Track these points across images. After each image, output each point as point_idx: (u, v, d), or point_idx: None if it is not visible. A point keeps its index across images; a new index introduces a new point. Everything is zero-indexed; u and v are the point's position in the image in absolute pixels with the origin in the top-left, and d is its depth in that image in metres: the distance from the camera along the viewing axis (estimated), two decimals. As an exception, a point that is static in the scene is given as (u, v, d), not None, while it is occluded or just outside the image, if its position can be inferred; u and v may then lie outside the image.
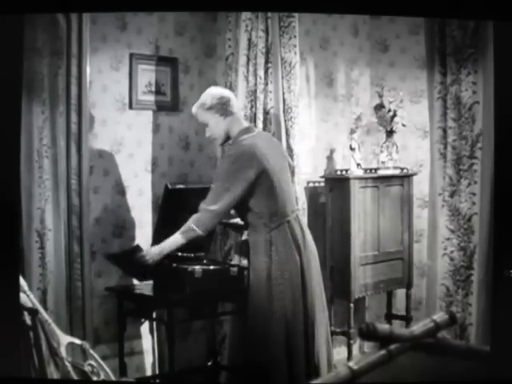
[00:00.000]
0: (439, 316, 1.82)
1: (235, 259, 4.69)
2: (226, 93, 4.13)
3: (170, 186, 4.33)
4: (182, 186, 4.47)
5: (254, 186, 3.92)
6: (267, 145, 4.08)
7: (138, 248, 4.14)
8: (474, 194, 4.99)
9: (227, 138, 4.08)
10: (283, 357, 3.92)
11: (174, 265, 4.26)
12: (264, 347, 3.93)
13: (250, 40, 4.66)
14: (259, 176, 3.91)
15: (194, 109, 4.11)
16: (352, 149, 5.15)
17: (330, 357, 4.14)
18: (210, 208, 3.91)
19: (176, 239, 4.00)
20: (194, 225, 3.93)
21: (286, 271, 3.95)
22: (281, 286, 3.93)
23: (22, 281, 3.52)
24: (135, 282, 4.70)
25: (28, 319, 3.45)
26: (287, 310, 3.94)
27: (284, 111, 4.72)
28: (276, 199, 3.97)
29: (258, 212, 3.96)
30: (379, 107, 5.36)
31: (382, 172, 5.33)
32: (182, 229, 3.97)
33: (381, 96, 5.36)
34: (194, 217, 3.95)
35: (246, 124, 4.15)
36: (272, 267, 3.93)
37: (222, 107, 4.01)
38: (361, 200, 5.05)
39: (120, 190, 4.73)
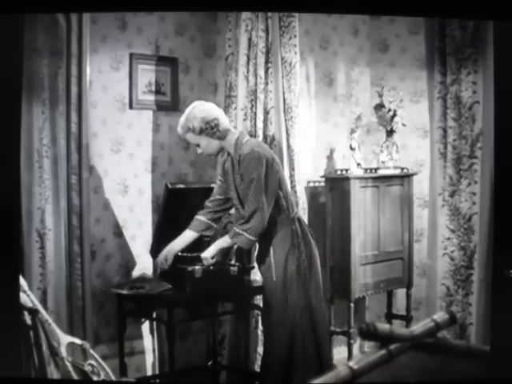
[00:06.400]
0: (439, 316, 1.82)
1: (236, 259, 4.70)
2: (213, 113, 4.00)
3: (170, 186, 4.32)
4: (182, 186, 4.46)
5: (279, 181, 4.00)
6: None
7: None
8: (474, 194, 4.99)
9: (221, 149, 4.07)
10: (313, 351, 3.98)
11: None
12: (295, 338, 3.96)
13: (250, 40, 4.66)
14: (278, 170, 4.01)
15: (182, 131, 4.02)
16: (352, 148, 5.15)
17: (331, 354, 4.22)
18: (257, 211, 3.90)
19: (225, 240, 4.08)
20: (241, 230, 3.93)
21: (311, 263, 4.02)
22: (307, 277, 4.00)
23: (22, 280, 3.51)
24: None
25: (28, 319, 3.45)
26: (310, 302, 4.00)
27: (284, 111, 4.72)
28: (287, 192, 4.08)
29: (282, 204, 4.01)
30: (379, 107, 5.36)
31: (382, 172, 5.33)
32: (231, 233, 4.00)
33: (381, 96, 5.36)
34: (242, 222, 3.94)
35: (236, 130, 4.20)
36: (300, 259, 3.97)
37: (212, 130, 3.96)
38: (361, 200, 5.05)
39: (120, 189, 4.73)
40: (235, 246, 4.66)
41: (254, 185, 3.90)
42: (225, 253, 4.48)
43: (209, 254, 4.12)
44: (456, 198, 5.05)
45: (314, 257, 4.06)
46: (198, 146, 4.06)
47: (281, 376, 3.97)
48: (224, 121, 4.02)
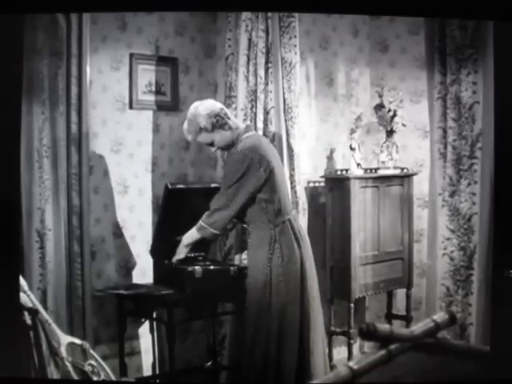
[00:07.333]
0: (439, 316, 1.83)
1: (236, 259, 4.69)
2: (217, 105, 4.09)
3: (170, 186, 4.32)
4: (182, 186, 4.46)
5: (263, 183, 3.95)
6: (267, 144, 4.13)
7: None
8: (473, 194, 4.99)
9: (233, 142, 4.09)
10: (277, 354, 3.95)
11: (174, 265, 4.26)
12: (264, 344, 3.95)
13: (250, 40, 4.66)
14: (266, 172, 3.96)
15: (193, 135, 4.07)
16: (352, 149, 5.15)
17: (325, 356, 4.17)
18: (222, 208, 3.95)
19: (192, 233, 4.08)
20: (206, 224, 3.99)
21: (288, 269, 3.97)
22: (281, 284, 3.95)
23: (22, 281, 3.52)
24: (135, 281, 4.72)
25: (28, 319, 3.45)
26: (285, 308, 3.96)
27: (284, 111, 4.72)
28: (279, 196, 4.02)
29: (264, 207, 3.99)
30: (379, 107, 5.36)
31: (382, 172, 5.33)
32: (197, 225, 4.04)
33: (381, 96, 5.36)
34: (207, 216, 3.99)
35: (242, 124, 4.19)
36: (274, 264, 3.94)
37: (223, 121, 4.02)
38: (361, 200, 5.05)
39: (120, 190, 4.73)
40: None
41: (226, 183, 3.96)
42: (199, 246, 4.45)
43: (179, 255, 4.18)
44: (456, 198, 5.05)
45: (291, 264, 3.98)
46: (211, 144, 4.09)
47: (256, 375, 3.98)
48: (228, 111, 4.13)
